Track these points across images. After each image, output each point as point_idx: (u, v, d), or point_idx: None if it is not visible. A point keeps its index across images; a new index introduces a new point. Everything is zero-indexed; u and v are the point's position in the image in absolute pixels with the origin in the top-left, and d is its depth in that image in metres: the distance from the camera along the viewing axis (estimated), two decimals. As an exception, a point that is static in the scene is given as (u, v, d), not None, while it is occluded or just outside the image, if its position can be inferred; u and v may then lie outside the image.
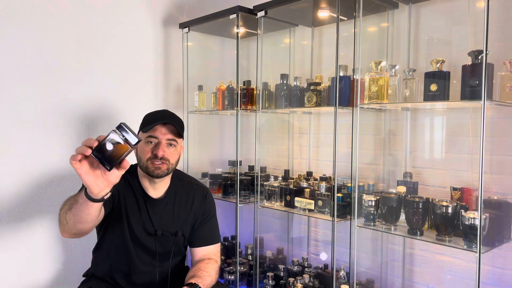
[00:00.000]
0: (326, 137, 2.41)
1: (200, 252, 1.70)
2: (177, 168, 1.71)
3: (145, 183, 1.64)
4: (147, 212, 1.63)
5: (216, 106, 2.49)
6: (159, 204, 1.65)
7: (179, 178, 1.74)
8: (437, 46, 1.93)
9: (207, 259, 1.68)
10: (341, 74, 1.89)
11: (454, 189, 1.75)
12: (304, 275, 2.15)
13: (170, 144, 1.58)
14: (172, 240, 1.65)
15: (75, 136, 2.15)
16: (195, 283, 1.49)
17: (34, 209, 2.02)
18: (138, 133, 1.61)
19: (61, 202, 2.16)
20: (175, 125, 1.57)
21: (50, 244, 2.08)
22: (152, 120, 1.57)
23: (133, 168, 1.66)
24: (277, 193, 2.19)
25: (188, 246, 1.77)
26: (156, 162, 1.54)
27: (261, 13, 2.15)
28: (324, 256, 2.34)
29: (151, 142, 1.56)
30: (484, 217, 1.51)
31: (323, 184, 2.04)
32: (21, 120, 1.97)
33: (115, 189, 1.54)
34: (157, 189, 1.65)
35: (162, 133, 1.56)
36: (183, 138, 1.64)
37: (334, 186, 1.87)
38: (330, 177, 2.16)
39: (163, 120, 1.56)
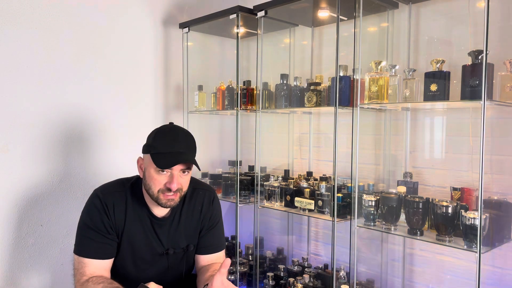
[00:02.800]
0: (326, 137, 2.41)
1: (206, 259, 1.64)
2: None
3: (150, 203, 1.53)
4: (154, 233, 1.54)
5: (216, 106, 2.49)
6: (166, 223, 1.56)
7: None
8: (437, 46, 1.93)
9: (217, 264, 1.60)
10: (341, 74, 1.89)
11: (454, 189, 1.75)
12: (304, 275, 2.15)
13: (184, 172, 1.47)
14: (182, 254, 1.60)
15: (75, 136, 2.15)
16: None
17: (34, 209, 2.02)
18: (143, 149, 1.48)
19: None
20: (191, 160, 1.45)
21: (49, 244, 2.09)
22: (163, 152, 1.42)
23: (135, 186, 1.56)
24: (277, 193, 2.19)
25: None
26: (168, 195, 1.44)
27: (261, 13, 2.15)
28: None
29: (162, 171, 1.43)
30: (484, 217, 1.51)
31: (323, 184, 2.04)
32: (21, 120, 1.97)
33: (120, 224, 1.50)
34: (163, 208, 1.53)
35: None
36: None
37: (334, 186, 1.87)
38: (330, 177, 2.16)
39: (177, 161, 1.42)
